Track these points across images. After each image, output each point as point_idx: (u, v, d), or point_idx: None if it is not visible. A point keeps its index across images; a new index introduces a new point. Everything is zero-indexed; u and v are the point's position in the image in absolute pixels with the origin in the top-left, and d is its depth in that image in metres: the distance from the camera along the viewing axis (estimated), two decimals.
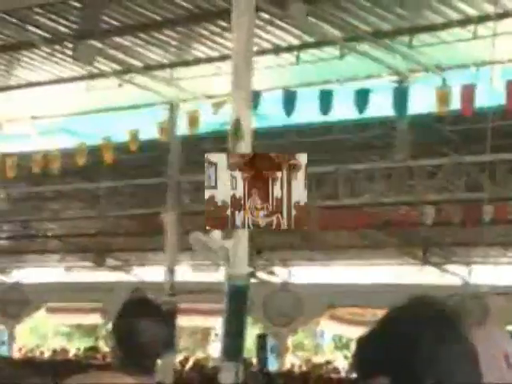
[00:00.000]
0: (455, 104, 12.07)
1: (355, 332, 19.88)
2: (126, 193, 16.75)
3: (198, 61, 14.15)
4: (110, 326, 18.66)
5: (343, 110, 12.97)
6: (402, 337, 1.94)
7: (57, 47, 14.18)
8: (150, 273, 17.18)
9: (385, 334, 1.99)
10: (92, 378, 4.45)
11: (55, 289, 16.87)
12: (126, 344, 4.21)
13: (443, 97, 12.06)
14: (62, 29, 13.67)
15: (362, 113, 12.59)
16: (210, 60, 13.87)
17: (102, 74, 14.75)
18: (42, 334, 20.95)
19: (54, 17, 13.35)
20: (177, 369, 16.15)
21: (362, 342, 2.06)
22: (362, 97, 12.51)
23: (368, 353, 2.02)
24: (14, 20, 13.52)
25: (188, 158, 15.35)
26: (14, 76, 15.63)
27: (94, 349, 21.80)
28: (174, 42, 13.84)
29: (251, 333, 13.44)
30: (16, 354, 16.91)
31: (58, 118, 16.90)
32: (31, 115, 16.90)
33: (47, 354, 21.10)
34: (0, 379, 5.77)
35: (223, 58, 12.74)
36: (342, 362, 21.32)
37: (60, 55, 14.43)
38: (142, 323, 3.71)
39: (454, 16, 11.64)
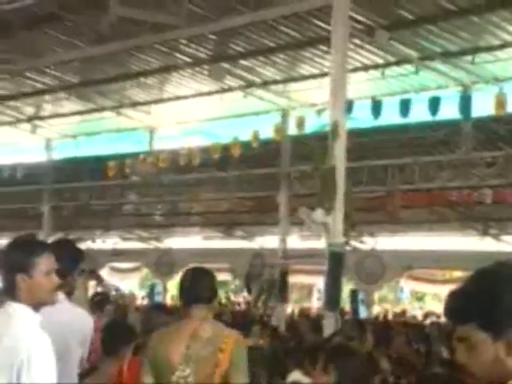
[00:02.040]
0: (509, 108, 11.88)
1: (427, 288, 19.74)
2: (249, 180, 16.82)
3: (303, 77, 14.16)
4: (237, 281, 18.65)
5: (419, 114, 12.84)
6: (488, 291, 1.91)
7: (197, 69, 14.33)
8: (268, 241, 17.15)
9: (474, 288, 1.96)
10: None
11: (196, 254, 16.96)
12: None
13: (500, 102, 11.79)
14: (201, 54, 13.80)
15: (434, 116, 12.42)
16: (313, 76, 13.85)
17: (230, 89, 14.86)
18: None
19: (193, 45, 13.48)
20: (287, 316, 16.14)
21: (454, 295, 2.02)
22: (434, 103, 12.33)
23: (459, 303, 1.98)
24: (164, 49, 13.68)
25: (296, 152, 15.40)
26: (165, 91, 15.85)
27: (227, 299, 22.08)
28: (285, 63, 13.87)
29: (346, 288, 13.30)
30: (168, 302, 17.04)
31: (198, 123, 17.10)
32: (177, 121, 17.13)
33: None
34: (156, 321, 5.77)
35: (324, 74, 12.67)
36: (417, 312, 21.18)
37: (199, 75, 14.58)
38: None
39: (508, 38, 11.45)
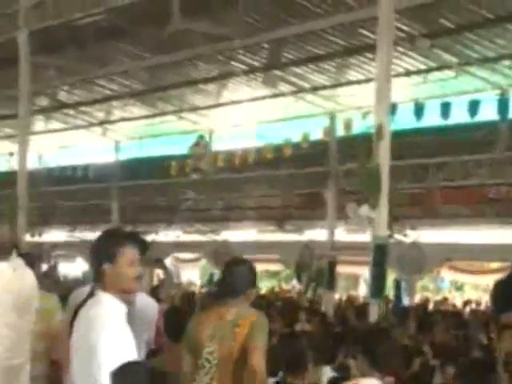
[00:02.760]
0: None
1: (466, 278, 19.51)
2: (299, 178, 16.78)
3: (350, 82, 14.08)
4: (288, 271, 18.55)
5: (459, 116, 12.70)
6: None
7: (251, 76, 14.32)
8: (316, 234, 17.06)
9: None
10: None
11: (250, 245, 16.97)
12: None
13: None
14: (255, 63, 13.80)
15: (473, 117, 12.28)
16: (359, 82, 13.77)
17: (282, 94, 14.85)
18: None
19: (248, 54, 13.48)
20: (335, 303, 16.08)
21: (499, 285, 1.95)
22: (474, 106, 12.18)
23: (504, 293, 1.91)
24: (221, 58, 13.72)
25: (343, 152, 15.31)
26: (223, 97, 15.90)
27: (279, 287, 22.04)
28: (333, 70, 13.82)
29: (389, 278, 13.16)
30: None
31: (253, 126, 17.11)
32: (233, 124, 17.15)
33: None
34: None
35: (369, 80, 12.56)
36: (457, 300, 20.93)
37: (254, 81, 14.58)
38: None
39: None
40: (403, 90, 12.92)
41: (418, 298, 17.61)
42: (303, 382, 4.92)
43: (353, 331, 8.48)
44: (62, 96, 17.14)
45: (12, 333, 4.16)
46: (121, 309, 3.69)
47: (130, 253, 3.71)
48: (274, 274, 20.44)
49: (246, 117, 16.49)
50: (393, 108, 10.70)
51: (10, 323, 4.15)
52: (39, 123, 18.65)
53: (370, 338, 4.55)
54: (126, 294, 3.74)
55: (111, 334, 3.55)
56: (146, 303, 4.82)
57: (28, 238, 14.24)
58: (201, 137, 16.74)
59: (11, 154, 18.51)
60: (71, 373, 3.65)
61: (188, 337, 4.70)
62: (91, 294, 3.79)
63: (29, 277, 4.39)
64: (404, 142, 13.08)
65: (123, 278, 3.69)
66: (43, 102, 16.76)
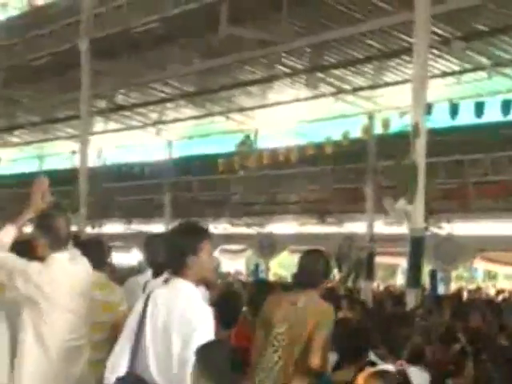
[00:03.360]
0: None
1: (499, 268, 19.26)
2: (340, 174, 16.69)
3: (388, 84, 13.98)
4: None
5: (491, 115, 12.52)
6: None
7: (294, 78, 14.29)
8: (356, 227, 16.97)
9: None
10: None
11: (293, 237, 16.99)
12: None
13: None
14: (298, 66, 13.76)
15: (505, 116, 12.10)
16: (396, 83, 13.66)
17: (323, 95, 14.78)
18: (287, 265, 20.83)
19: (292, 58, 13.48)
20: (374, 292, 15.98)
21: None
22: (506, 105, 11.99)
23: None
24: (266, 61, 13.72)
25: (381, 150, 15.17)
26: (268, 98, 15.92)
27: None
28: (372, 72, 13.74)
29: (426, 268, 13.03)
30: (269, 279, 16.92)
31: (296, 125, 17.08)
32: (278, 123, 17.13)
33: None
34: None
35: (406, 81, 12.47)
36: (490, 290, 20.66)
37: (297, 83, 14.56)
38: None
39: None
40: (438, 91, 12.78)
41: (452, 288, 17.37)
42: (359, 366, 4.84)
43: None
44: (120, 99, 17.30)
45: (72, 317, 4.22)
46: (201, 295, 3.82)
47: (208, 245, 3.81)
48: None
49: (289, 116, 16.46)
50: (428, 108, 10.58)
51: (69, 308, 4.22)
52: (99, 124, 18.84)
53: (386, 325, 4.54)
54: (201, 283, 3.88)
55: (203, 315, 3.64)
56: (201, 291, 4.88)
57: (88, 230, 14.39)
58: (247, 136, 16.73)
59: (73, 153, 18.74)
60: (144, 353, 3.65)
61: (262, 315, 4.87)
62: (166, 282, 3.86)
63: (85, 266, 4.46)
64: (439, 140, 12.93)
65: (205, 268, 3.78)
66: (102, 104, 16.92)
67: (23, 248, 4.32)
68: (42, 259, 4.27)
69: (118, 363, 3.68)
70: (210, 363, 3.25)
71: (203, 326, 3.61)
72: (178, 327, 3.59)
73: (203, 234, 3.87)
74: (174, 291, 3.70)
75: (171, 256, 3.82)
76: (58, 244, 4.28)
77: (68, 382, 4.19)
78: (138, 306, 3.73)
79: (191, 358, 3.43)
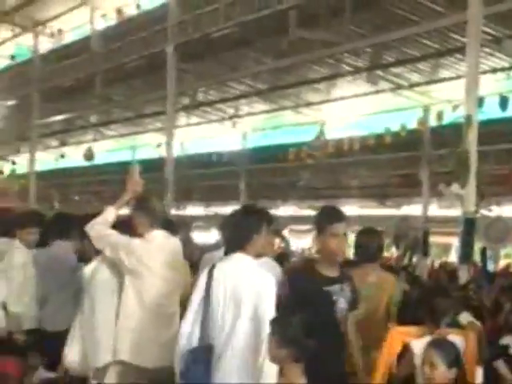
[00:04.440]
0: None
1: None
2: (398, 161, 16.49)
3: (442, 80, 13.73)
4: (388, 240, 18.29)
5: None
6: None
7: (356, 75, 14.17)
8: (412, 209, 16.80)
9: None
10: None
11: (354, 219, 16.85)
12: None
13: None
14: (359, 64, 13.66)
15: None
16: (450, 79, 13.42)
17: (383, 90, 14.63)
18: (349, 244, 20.73)
19: (354, 57, 13.39)
20: (428, 268, 15.78)
21: None
22: None
23: None
24: (330, 60, 13.66)
25: (435, 139, 14.92)
26: (332, 93, 15.84)
27: None
28: (427, 69, 13.52)
29: (477, 247, 12.80)
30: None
31: (358, 118, 16.95)
32: (341, 116, 17.03)
33: None
34: None
35: (459, 77, 12.23)
36: None
37: (358, 80, 14.43)
38: None
39: None
40: (489, 85, 12.49)
41: (501, 264, 17.01)
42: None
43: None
44: (200, 96, 17.46)
45: (167, 285, 4.33)
46: (274, 269, 4.08)
47: (267, 227, 3.92)
48: None
49: (351, 110, 16.35)
50: (480, 101, 10.37)
51: (164, 277, 4.33)
52: (182, 118, 19.06)
53: (427, 296, 4.50)
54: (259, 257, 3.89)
55: (269, 284, 3.72)
56: (273, 265, 4.91)
57: (174, 211, 14.63)
58: (321, 132, 16.69)
59: (159, 145, 19.02)
60: (213, 323, 3.66)
61: None
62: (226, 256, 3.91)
63: (176, 241, 4.57)
64: (490, 130, 12.67)
65: (264, 244, 3.90)
66: (185, 101, 17.11)
67: (124, 226, 4.44)
68: (140, 236, 4.40)
69: (191, 332, 3.69)
70: (286, 330, 3.25)
71: (269, 294, 3.66)
72: (247, 296, 3.63)
73: (265, 216, 3.96)
74: (240, 264, 3.75)
75: (238, 233, 3.87)
76: (154, 222, 4.40)
77: (162, 343, 4.25)
78: (203, 279, 3.75)
79: (262, 325, 3.47)
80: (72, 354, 4.58)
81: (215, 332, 3.62)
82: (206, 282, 3.71)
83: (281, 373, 3.36)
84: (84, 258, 4.95)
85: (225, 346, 3.57)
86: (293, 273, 4.55)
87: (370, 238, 4.86)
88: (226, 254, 3.90)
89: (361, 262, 4.82)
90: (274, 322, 3.32)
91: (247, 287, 3.66)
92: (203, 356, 3.58)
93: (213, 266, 3.78)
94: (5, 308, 5.48)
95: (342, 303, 3.95)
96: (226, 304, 3.65)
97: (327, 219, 3.93)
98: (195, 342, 3.65)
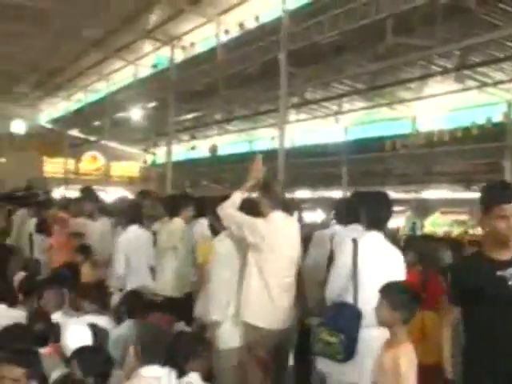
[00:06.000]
0: None
1: None
2: (483, 150, 15.85)
3: None
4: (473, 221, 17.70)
5: None
6: None
7: (445, 75, 13.75)
8: None
9: None
10: None
11: (443, 202, 16.44)
12: None
13: None
14: (448, 65, 13.27)
15: None
16: None
17: (469, 88, 14.20)
18: (438, 224, 20.16)
19: (443, 59, 13.07)
20: None
21: None
22: None
23: None
24: (422, 62, 13.36)
25: None
26: (423, 91, 15.48)
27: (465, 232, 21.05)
28: (510, 68, 12.95)
29: None
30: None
31: (446, 113, 16.43)
32: (432, 111, 16.60)
33: None
34: None
35: None
36: None
37: (447, 80, 14.00)
38: None
39: None
40: None
41: None
42: None
43: None
44: (308, 95, 17.53)
45: (285, 260, 4.36)
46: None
47: None
48: (462, 223, 19.53)
49: (441, 106, 15.94)
50: None
51: (284, 253, 4.36)
52: (292, 115, 19.18)
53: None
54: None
55: (400, 257, 3.83)
56: None
57: (287, 195, 14.79)
58: (416, 131, 16.43)
59: (273, 138, 19.25)
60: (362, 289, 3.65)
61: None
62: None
63: (293, 221, 4.63)
64: None
65: None
66: (295, 100, 17.23)
67: (248, 208, 4.43)
68: (263, 216, 4.37)
69: (342, 297, 3.66)
70: (393, 297, 3.24)
71: (402, 265, 3.77)
72: (389, 266, 3.68)
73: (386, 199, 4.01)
74: (376, 239, 3.79)
75: (378, 215, 3.87)
76: (276, 204, 4.37)
77: (282, 311, 4.27)
78: (348, 250, 3.72)
79: None
80: (199, 309, 4.68)
81: (363, 299, 3.61)
82: (352, 255, 3.67)
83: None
84: (214, 231, 5.06)
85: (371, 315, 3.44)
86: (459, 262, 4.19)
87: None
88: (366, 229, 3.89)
89: None
90: (386, 288, 3.29)
91: (389, 261, 3.71)
92: (354, 310, 3.60)
93: (356, 241, 3.72)
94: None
95: None
96: (373, 276, 3.62)
97: (494, 199, 3.20)
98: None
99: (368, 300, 3.51)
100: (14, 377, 3.00)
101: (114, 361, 3.76)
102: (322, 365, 3.83)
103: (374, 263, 3.66)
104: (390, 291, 3.27)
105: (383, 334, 3.33)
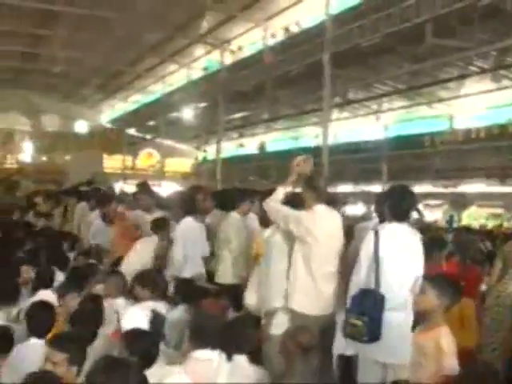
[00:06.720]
0: None
1: None
2: None
3: None
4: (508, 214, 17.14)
5: None
6: None
7: (482, 75, 13.45)
8: None
9: None
10: None
11: (480, 195, 16.08)
12: None
13: None
14: (485, 66, 12.96)
15: None
16: None
17: (505, 87, 13.80)
18: (475, 216, 19.68)
19: (480, 60, 12.73)
20: None
21: None
22: None
23: None
24: (460, 63, 13.07)
25: None
26: (461, 91, 15.12)
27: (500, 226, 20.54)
28: None
29: None
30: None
31: (484, 111, 16.00)
32: (469, 110, 16.22)
33: None
34: None
35: None
36: None
37: (484, 80, 13.68)
38: None
39: None
40: None
41: None
42: None
43: None
44: (350, 95, 17.38)
45: (329, 251, 4.33)
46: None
47: None
48: (497, 216, 19.09)
49: (478, 104, 15.56)
50: None
51: (327, 244, 4.31)
52: (335, 114, 19.07)
53: None
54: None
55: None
56: None
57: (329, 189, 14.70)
58: (454, 128, 16.11)
59: (317, 136, 19.16)
60: (384, 275, 3.66)
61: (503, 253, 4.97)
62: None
63: (336, 214, 4.58)
64: None
65: None
66: (338, 99, 17.12)
67: (294, 201, 4.40)
68: (307, 209, 4.32)
69: (367, 284, 3.69)
70: (439, 288, 3.24)
71: (421, 254, 3.77)
72: (412, 255, 3.72)
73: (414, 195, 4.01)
74: (397, 229, 3.80)
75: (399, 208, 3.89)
76: (320, 198, 4.32)
77: (326, 298, 4.27)
78: (370, 241, 3.76)
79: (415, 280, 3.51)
80: (250, 298, 4.67)
81: (385, 285, 3.64)
82: (374, 245, 3.70)
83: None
84: (263, 223, 5.05)
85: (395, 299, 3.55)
86: None
87: None
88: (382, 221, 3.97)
89: None
90: (433, 279, 3.31)
91: (412, 250, 3.74)
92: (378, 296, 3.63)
93: (377, 231, 3.76)
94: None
95: None
96: (394, 263, 3.66)
97: None
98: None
99: (390, 286, 3.60)
100: (56, 360, 3.08)
101: (166, 343, 3.79)
102: (353, 346, 3.92)
103: (394, 252, 3.67)
104: (436, 282, 3.28)
105: (405, 316, 3.44)
